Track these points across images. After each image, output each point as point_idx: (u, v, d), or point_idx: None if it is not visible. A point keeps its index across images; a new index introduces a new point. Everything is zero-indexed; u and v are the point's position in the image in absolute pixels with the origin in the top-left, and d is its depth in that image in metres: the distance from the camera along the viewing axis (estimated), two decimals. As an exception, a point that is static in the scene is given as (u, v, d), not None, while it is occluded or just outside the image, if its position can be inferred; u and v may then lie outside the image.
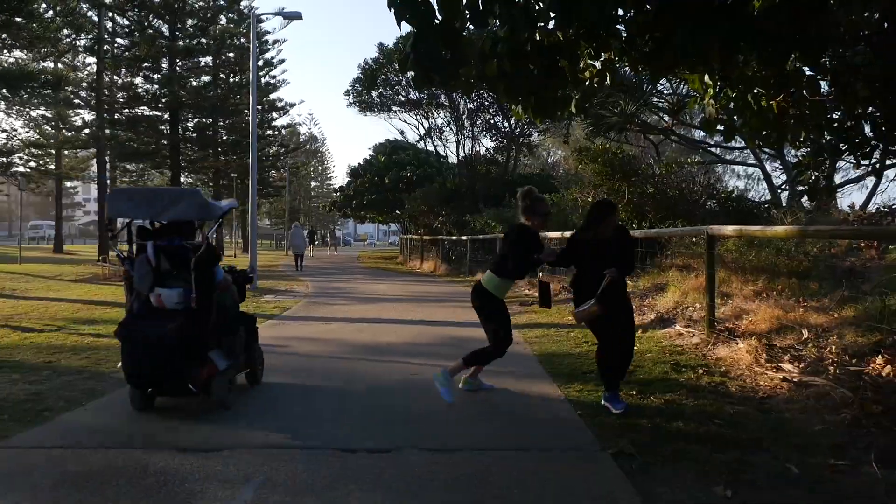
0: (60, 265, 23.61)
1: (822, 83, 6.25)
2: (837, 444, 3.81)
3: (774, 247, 8.34)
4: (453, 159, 30.04)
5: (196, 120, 34.12)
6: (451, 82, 4.63)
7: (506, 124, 27.67)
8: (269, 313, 10.14)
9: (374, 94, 29.87)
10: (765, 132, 6.28)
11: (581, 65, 5.93)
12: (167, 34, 31.37)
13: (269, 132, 39.40)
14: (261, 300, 12.07)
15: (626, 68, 6.06)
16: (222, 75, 34.40)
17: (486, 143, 35.83)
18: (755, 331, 6.60)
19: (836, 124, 6.22)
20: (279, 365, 6.06)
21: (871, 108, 5.85)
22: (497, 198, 23.12)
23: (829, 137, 6.32)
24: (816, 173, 6.57)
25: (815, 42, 5.25)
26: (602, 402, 4.70)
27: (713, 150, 25.70)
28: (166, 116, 32.42)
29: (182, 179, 35.56)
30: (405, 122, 39.51)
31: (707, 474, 3.42)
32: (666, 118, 19.08)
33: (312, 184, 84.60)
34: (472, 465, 3.55)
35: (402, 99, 29.36)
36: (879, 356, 5.16)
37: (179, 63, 31.90)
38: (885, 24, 5.34)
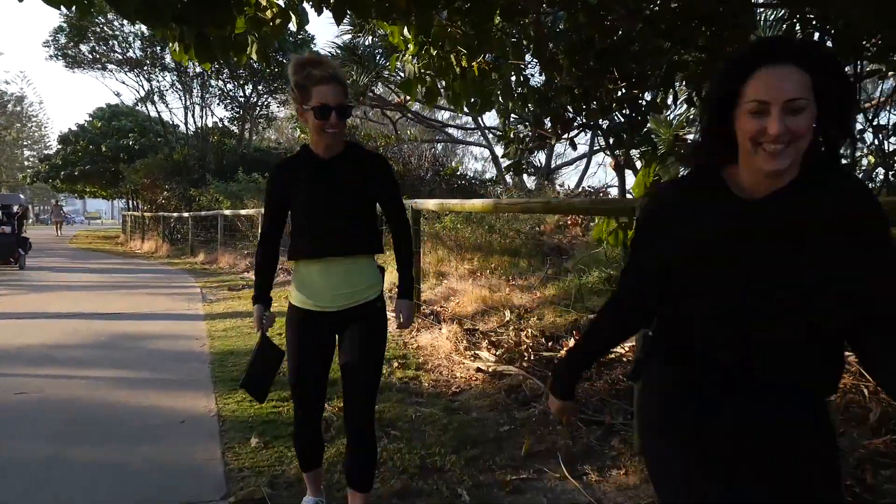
0: None
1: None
2: (520, 450, 3.26)
3: (488, 224, 8.09)
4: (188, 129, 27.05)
5: None
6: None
7: (241, 93, 25.60)
8: None
9: (83, 48, 25.64)
10: (469, 98, 5.78)
11: (264, 2, 4.90)
12: None
13: (-50, 86, 32.30)
14: None
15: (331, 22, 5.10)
16: None
17: (221, 113, 33.04)
18: (461, 314, 6.15)
19: (538, 94, 5.93)
20: None
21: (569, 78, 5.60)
22: (231, 170, 21.14)
23: (532, 108, 6.04)
24: (520, 146, 6.28)
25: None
26: None
27: (454, 131, 26.43)
28: None
29: None
30: (124, 83, 34.73)
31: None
32: (400, 94, 18.78)
33: (26, 153, 72.80)
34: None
35: (120, 57, 25.62)
36: (572, 339, 4.90)
37: None
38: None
